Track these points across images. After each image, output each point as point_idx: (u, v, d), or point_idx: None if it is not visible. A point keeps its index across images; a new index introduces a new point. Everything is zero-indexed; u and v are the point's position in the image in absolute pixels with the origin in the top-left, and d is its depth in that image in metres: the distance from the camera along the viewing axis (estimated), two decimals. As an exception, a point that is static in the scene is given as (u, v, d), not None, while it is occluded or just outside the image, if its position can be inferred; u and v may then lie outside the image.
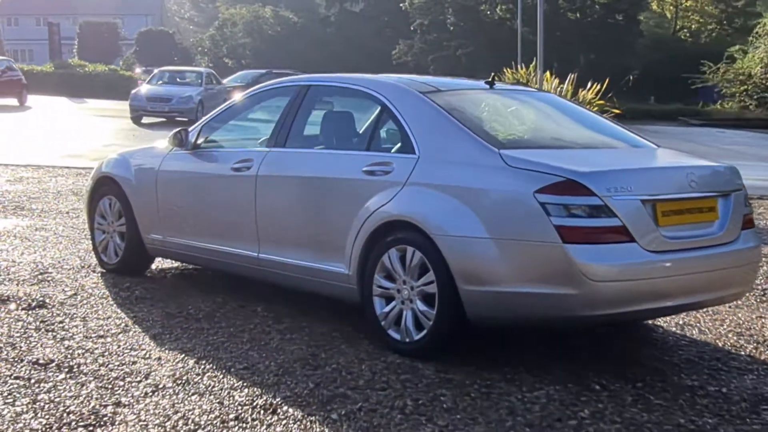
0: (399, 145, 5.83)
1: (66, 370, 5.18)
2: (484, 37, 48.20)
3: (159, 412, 4.55)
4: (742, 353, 5.89)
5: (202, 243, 6.96)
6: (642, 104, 49.37)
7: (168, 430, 4.34)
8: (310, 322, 6.26)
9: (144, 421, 4.44)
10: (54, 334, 5.89)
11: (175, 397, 4.78)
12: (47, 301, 6.68)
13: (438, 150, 5.60)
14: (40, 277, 7.44)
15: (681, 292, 5.29)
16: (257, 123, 7.50)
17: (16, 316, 6.27)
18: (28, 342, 5.70)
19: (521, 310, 5.17)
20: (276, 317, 6.39)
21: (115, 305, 6.68)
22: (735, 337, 6.23)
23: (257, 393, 4.85)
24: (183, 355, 5.51)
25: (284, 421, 4.47)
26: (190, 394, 4.83)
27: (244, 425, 4.41)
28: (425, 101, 5.87)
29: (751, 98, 48.62)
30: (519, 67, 28.13)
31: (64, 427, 4.34)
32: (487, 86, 6.45)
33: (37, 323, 6.11)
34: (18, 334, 5.85)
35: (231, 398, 4.77)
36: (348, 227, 5.85)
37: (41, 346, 5.63)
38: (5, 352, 5.46)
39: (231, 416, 4.52)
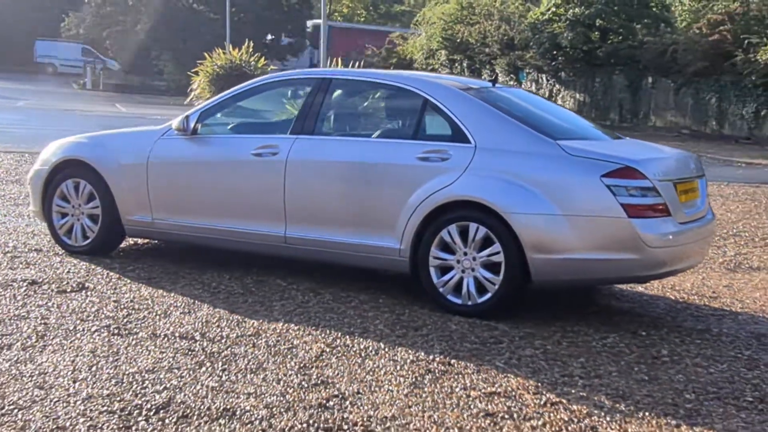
0: (450, 135, 6.71)
1: (217, 340, 5.64)
2: (161, 13, 47.90)
3: (356, 370, 5.21)
4: (699, 303, 7.42)
5: (210, 223, 7.40)
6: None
7: (391, 380, 5.04)
8: (347, 292, 7.01)
9: (358, 378, 5.09)
10: (146, 312, 6.22)
11: (346, 358, 5.44)
12: (84, 283, 6.87)
13: (495, 140, 6.57)
14: (20, 259, 7.55)
15: (688, 256, 6.71)
16: (261, 112, 7.98)
17: (84, 298, 6.47)
18: (138, 318, 6.03)
19: (586, 273, 6.34)
20: (310, 289, 7.06)
21: (146, 285, 6.99)
22: (675, 293, 7.75)
23: (411, 351, 5.62)
24: (291, 324, 6.09)
25: (467, 371, 5.31)
26: (357, 355, 5.51)
27: (447, 376, 5.20)
28: (469, 97, 6.83)
29: (412, 82, 52.20)
30: (229, 47, 28.85)
31: (305, 386, 4.91)
32: (491, 84, 7.46)
33: (113, 304, 6.38)
34: (115, 315, 6.12)
35: (397, 356, 5.52)
36: (400, 206, 6.67)
37: (157, 323, 5.98)
38: (141, 329, 5.79)
39: (421, 371, 5.28)
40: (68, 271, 7.25)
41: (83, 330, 5.71)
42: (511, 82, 43.92)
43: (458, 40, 47.26)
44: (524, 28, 42.86)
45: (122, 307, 6.29)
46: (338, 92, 7.32)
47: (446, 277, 6.57)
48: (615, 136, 7.41)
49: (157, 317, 6.09)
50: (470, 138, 6.60)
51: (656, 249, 6.23)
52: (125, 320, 5.97)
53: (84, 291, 6.67)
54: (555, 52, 40.29)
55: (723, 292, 7.86)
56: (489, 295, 6.44)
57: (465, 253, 6.49)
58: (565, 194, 6.29)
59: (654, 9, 38.51)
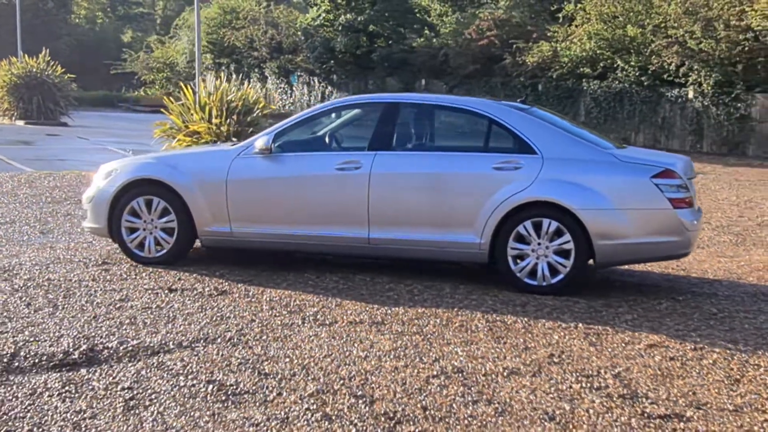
0: (517, 148, 8.24)
1: (401, 323, 6.86)
2: None
3: (534, 338, 6.65)
4: (682, 275, 9.39)
5: (294, 230, 8.52)
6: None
7: (573, 342, 6.52)
8: (429, 282, 8.37)
9: (543, 342, 6.53)
10: (311, 308, 7.29)
11: (514, 330, 6.85)
12: (220, 288, 7.82)
13: (558, 151, 8.15)
14: (113, 272, 8.39)
15: (697, 239, 8.63)
16: (329, 133, 9.10)
17: (241, 299, 7.47)
18: (313, 312, 7.11)
19: (640, 253, 8.11)
20: (397, 281, 8.34)
21: (263, 287, 8.02)
22: (655, 269, 9.67)
23: (550, 321, 7.10)
24: (432, 308, 7.37)
25: (607, 332, 6.86)
26: (516, 327, 6.93)
27: (603, 336, 6.74)
28: (527, 116, 8.40)
29: (175, 85, 52.51)
30: (24, 56, 28.52)
31: (522, 350, 6.31)
32: (522, 104, 9.03)
33: (272, 302, 7.42)
34: (300, 310, 7.19)
35: (546, 325, 6.99)
36: (479, 208, 8.12)
37: (333, 314, 7.10)
38: (332, 320, 6.90)
39: (580, 335, 6.78)
40: (178, 279, 8.12)
41: (292, 324, 6.77)
42: (283, 85, 45.38)
43: (225, 44, 48.11)
44: (293, 32, 44.47)
45: (291, 305, 7.30)
46: (408, 113, 8.66)
47: (522, 264, 8.10)
48: (621, 145, 9.19)
49: (326, 310, 7.20)
50: (536, 150, 8.15)
51: (690, 232, 8.08)
52: (307, 314, 7.05)
53: (227, 294, 7.63)
54: (327, 56, 42.15)
55: (684, 267, 9.86)
56: (561, 276, 8.03)
57: (539, 243, 8.04)
58: (622, 192, 8.00)
59: (417, 15, 41.25)
